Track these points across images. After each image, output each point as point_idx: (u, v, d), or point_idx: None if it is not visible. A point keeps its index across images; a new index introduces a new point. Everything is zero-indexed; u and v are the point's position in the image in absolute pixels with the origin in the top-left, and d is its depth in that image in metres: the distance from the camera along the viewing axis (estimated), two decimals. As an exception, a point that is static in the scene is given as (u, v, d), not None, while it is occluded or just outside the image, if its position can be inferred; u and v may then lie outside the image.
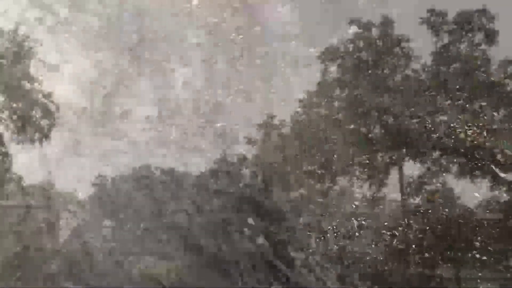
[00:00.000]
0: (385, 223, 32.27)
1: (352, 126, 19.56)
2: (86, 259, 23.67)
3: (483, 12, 18.74)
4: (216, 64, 21.30)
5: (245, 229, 24.44)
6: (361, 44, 19.75)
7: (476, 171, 18.71)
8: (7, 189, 20.49)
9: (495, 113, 18.92)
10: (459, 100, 18.37)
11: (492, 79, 17.69)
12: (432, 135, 17.57)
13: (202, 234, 25.11)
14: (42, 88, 19.90)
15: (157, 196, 36.82)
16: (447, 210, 29.16)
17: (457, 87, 18.18)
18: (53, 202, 31.93)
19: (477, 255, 29.91)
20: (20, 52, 19.46)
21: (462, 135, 16.86)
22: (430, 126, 18.14)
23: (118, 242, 27.29)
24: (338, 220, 30.45)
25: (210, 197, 27.29)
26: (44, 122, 19.54)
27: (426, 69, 19.06)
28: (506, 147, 16.70)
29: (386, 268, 27.54)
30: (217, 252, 24.60)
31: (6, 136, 19.60)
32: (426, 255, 29.64)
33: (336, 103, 19.72)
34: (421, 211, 30.36)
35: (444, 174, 19.37)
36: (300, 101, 20.54)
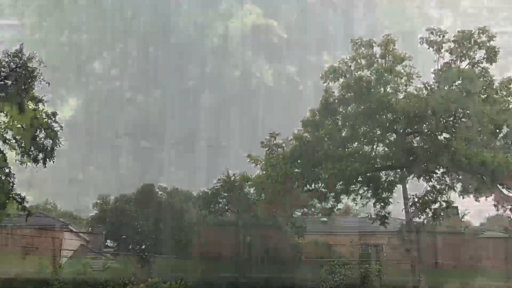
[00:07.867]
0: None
1: (355, 144, 19.57)
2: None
3: (483, 30, 18.86)
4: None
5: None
6: (363, 62, 19.85)
7: (481, 189, 18.63)
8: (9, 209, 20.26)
9: (497, 130, 18.91)
10: (462, 118, 18.40)
11: (495, 96, 17.70)
12: (436, 153, 17.53)
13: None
14: (45, 108, 19.88)
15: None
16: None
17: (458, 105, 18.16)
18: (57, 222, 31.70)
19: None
20: (24, 73, 19.47)
21: (466, 153, 16.83)
22: (433, 144, 18.13)
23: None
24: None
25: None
26: (47, 142, 19.44)
27: (428, 87, 19.10)
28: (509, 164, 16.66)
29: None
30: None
31: (10, 156, 19.50)
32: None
33: (339, 121, 19.73)
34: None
35: (448, 192, 19.28)
36: (304, 119, 20.51)
